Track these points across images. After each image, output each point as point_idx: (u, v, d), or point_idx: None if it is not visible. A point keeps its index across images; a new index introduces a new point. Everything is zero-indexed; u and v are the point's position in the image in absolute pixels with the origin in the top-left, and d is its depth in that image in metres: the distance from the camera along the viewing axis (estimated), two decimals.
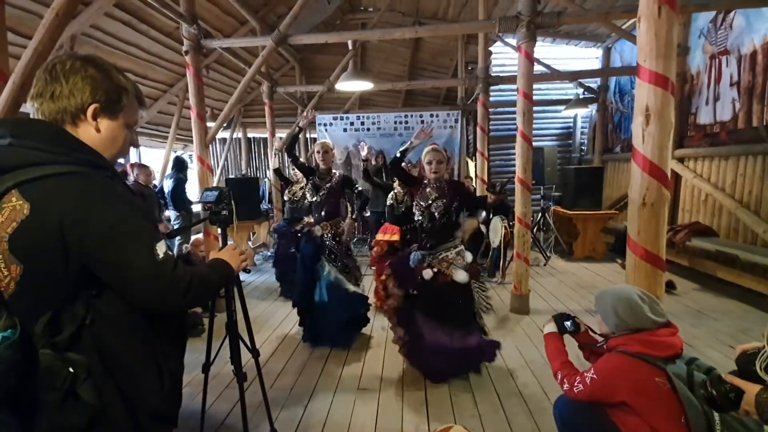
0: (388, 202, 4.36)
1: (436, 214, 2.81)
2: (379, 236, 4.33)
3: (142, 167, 4.95)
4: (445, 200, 2.80)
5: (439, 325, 2.79)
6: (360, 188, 3.62)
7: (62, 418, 0.92)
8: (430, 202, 2.83)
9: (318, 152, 3.52)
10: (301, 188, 4.75)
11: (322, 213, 3.47)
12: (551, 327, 1.93)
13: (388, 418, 2.47)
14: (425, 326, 2.81)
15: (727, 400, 1.17)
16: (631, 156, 2.11)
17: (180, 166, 5.89)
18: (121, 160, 5.39)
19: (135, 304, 1.00)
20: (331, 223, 3.47)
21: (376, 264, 4.25)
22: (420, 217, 2.89)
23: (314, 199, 3.52)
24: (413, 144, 2.81)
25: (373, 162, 6.55)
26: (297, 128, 3.77)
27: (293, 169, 4.82)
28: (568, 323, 1.91)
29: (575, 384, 1.61)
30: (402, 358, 3.09)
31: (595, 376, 1.56)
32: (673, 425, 1.40)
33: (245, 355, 2.03)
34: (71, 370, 0.91)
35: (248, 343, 2.09)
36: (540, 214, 6.58)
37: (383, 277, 3.11)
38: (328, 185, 3.49)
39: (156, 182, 6.74)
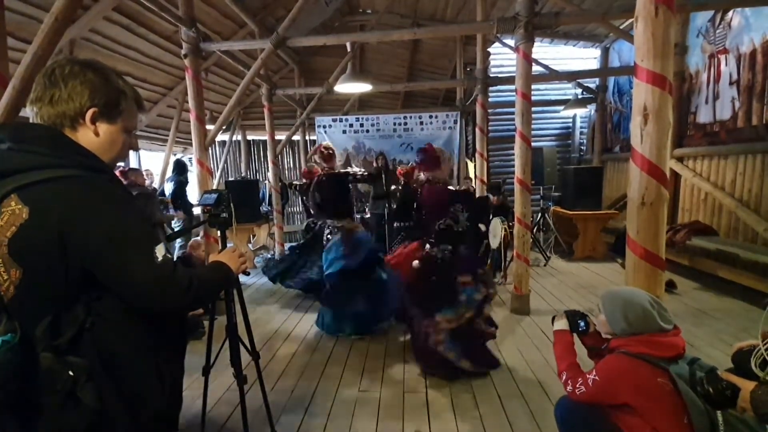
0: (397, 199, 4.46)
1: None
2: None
3: (135, 171, 4.99)
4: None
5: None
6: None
7: (63, 421, 0.92)
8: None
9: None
10: None
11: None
12: (563, 324, 1.84)
13: (389, 420, 2.47)
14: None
15: (723, 397, 1.17)
16: (630, 156, 2.12)
17: (180, 169, 5.90)
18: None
19: (135, 307, 1.00)
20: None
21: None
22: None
23: None
24: None
25: (375, 164, 6.57)
26: None
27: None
28: (581, 323, 1.82)
29: (578, 386, 1.60)
30: (402, 359, 3.11)
31: (596, 377, 1.55)
32: (675, 426, 1.39)
33: (245, 358, 2.03)
34: (71, 373, 0.91)
35: (248, 346, 2.09)
36: (540, 215, 6.58)
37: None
38: None
39: (155, 185, 6.76)
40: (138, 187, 4.69)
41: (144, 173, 5.79)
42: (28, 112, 1.02)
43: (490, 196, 5.73)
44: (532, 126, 4.03)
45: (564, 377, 1.69)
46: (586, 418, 1.64)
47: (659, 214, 2.04)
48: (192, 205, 5.83)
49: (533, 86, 4.06)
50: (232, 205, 1.86)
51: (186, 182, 5.91)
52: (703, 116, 5.22)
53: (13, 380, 0.88)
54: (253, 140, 10.31)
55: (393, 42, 7.88)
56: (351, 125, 8.22)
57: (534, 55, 4.01)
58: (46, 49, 2.12)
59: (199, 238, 4.77)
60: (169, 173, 6.26)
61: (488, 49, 7.20)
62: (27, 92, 0.99)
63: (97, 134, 1.02)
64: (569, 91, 7.85)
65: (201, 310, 3.34)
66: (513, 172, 4.13)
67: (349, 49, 6.47)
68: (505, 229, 4.97)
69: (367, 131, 8.20)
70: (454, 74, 8.40)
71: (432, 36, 7.22)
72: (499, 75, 7.08)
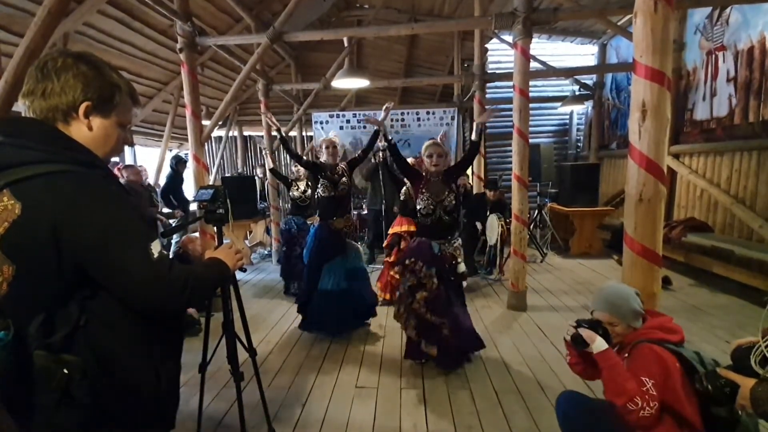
0: (402, 197, 4.39)
1: (449, 207, 2.90)
2: (396, 228, 4.27)
3: (130, 167, 4.97)
4: (454, 194, 2.90)
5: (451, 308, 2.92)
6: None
7: (58, 419, 0.92)
8: (443, 197, 2.89)
9: (327, 147, 3.56)
10: (308, 185, 4.77)
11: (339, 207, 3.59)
12: (602, 342, 1.53)
13: (386, 415, 2.47)
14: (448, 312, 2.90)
15: (722, 394, 1.18)
16: (628, 152, 2.12)
17: (174, 161, 5.88)
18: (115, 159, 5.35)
19: (131, 306, 0.99)
20: (346, 218, 3.64)
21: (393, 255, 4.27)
22: (432, 210, 2.92)
23: (332, 193, 3.54)
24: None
25: (373, 160, 6.54)
26: (278, 135, 3.66)
27: (295, 166, 4.79)
28: (601, 331, 1.56)
29: (650, 404, 1.39)
30: (400, 355, 3.11)
31: (652, 380, 1.41)
32: (692, 408, 1.38)
33: (242, 354, 2.02)
34: (66, 371, 0.90)
35: (245, 342, 2.08)
36: (536, 211, 6.59)
37: (402, 265, 3.02)
38: (344, 179, 3.57)
39: (150, 181, 6.72)
40: (135, 187, 4.66)
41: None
42: (21, 106, 1.00)
43: (487, 192, 5.73)
44: (530, 122, 4.03)
45: (639, 403, 1.39)
46: (588, 413, 1.65)
47: (657, 211, 2.05)
48: (188, 201, 5.79)
49: (530, 82, 4.05)
50: (228, 201, 1.85)
51: (176, 173, 5.85)
52: (700, 113, 5.23)
53: (7, 378, 0.87)
54: (249, 136, 10.27)
55: (390, 37, 7.85)
56: (348, 121, 8.18)
57: (531, 52, 4.00)
58: (39, 42, 2.09)
59: (194, 234, 4.76)
60: (165, 169, 6.24)
61: (486, 45, 7.17)
62: (19, 87, 0.97)
63: (90, 128, 1.00)
64: (566, 87, 7.85)
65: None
66: (510, 169, 4.13)
67: (346, 45, 6.43)
68: (502, 225, 4.97)
69: (364, 127, 8.16)
70: (451, 70, 8.38)
71: (429, 31, 7.18)
72: (497, 71, 7.06)
